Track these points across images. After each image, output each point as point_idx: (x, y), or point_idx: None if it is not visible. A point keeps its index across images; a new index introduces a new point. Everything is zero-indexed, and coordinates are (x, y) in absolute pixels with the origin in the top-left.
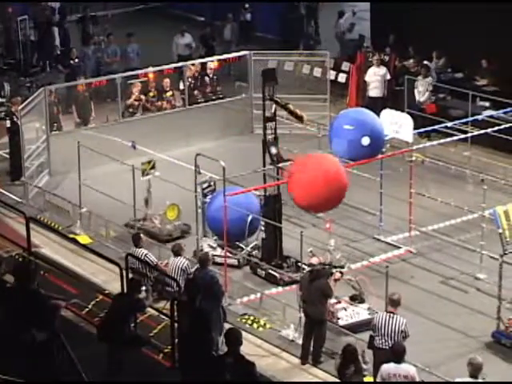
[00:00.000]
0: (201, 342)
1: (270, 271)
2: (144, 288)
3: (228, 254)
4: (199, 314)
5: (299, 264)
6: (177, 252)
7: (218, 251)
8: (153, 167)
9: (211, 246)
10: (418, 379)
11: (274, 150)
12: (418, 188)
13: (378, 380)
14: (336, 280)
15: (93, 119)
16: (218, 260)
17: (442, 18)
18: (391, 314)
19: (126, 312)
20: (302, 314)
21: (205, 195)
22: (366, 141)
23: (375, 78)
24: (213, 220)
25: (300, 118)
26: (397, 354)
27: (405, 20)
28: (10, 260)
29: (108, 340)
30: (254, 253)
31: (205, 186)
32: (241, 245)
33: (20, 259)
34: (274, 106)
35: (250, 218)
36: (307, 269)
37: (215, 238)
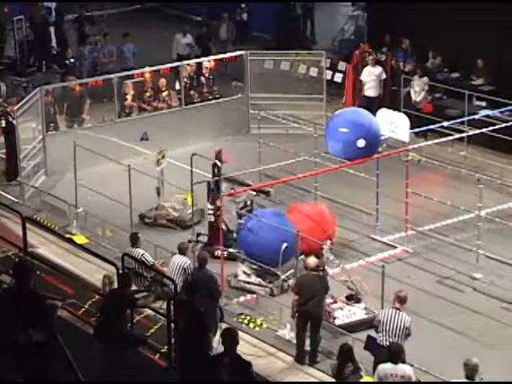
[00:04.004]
0: (197, 341)
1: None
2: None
3: (261, 282)
4: (196, 314)
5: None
6: (182, 250)
7: (253, 278)
8: (163, 157)
9: (246, 273)
10: (414, 379)
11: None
12: (413, 187)
13: (375, 380)
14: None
15: (84, 119)
16: (252, 288)
17: (438, 18)
18: (397, 310)
19: (119, 307)
20: (296, 314)
21: (240, 216)
22: (361, 143)
23: (370, 77)
24: (244, 241)
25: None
26: (393, 354)
27: (401, 19)
28: (6, 260)
29: (104, 339)
30: (289, 282)
31: (240, 205)
32: (277, 272)
33: (17, 259)
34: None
35: (284, 246)
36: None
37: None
